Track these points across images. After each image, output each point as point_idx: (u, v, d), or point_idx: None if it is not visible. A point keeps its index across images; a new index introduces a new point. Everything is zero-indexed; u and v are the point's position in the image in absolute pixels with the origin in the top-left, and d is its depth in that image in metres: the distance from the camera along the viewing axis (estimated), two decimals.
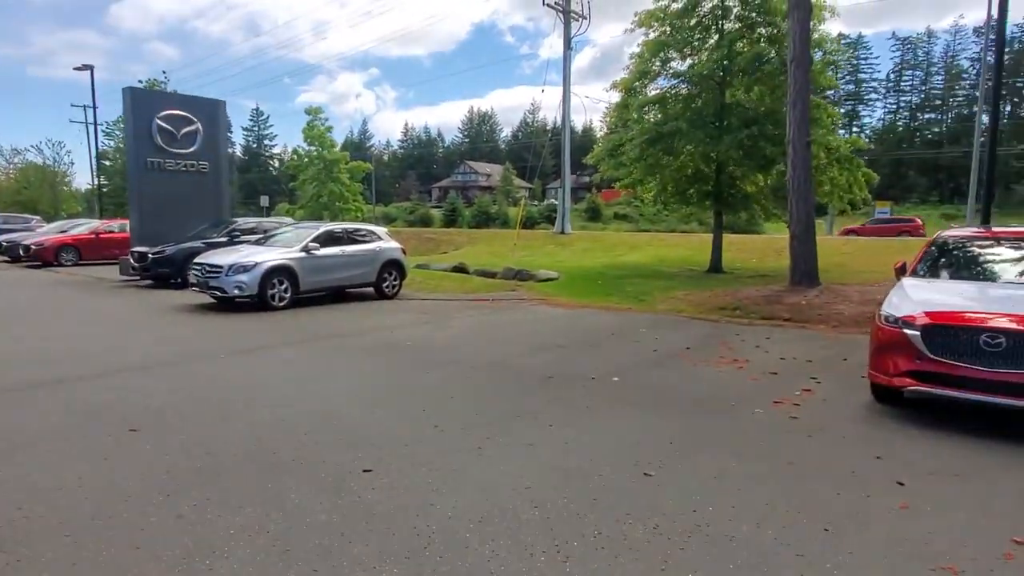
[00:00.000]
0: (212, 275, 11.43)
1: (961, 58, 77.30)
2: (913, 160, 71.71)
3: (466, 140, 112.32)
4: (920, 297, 5.51)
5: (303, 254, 11.93)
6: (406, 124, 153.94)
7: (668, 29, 17.84)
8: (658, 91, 18.58)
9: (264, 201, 45.10)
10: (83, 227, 23.62)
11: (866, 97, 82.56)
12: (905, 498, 3.78)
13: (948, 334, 4.98)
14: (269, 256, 11.61)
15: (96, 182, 42.46)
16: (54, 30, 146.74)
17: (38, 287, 15.73)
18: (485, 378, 6.75)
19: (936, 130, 78.29)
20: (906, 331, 5.19)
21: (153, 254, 14.93)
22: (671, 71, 18.28)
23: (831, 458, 4.44)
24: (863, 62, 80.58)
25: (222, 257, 11.76)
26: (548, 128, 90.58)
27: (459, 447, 4.61)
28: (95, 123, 38.13)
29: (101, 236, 22.39)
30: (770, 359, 7.70)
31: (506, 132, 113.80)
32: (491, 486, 3.93)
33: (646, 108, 18.39)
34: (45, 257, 21.13)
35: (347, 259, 12.64)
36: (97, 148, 40.61)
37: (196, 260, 12.17)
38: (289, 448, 4.54)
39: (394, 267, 13.46)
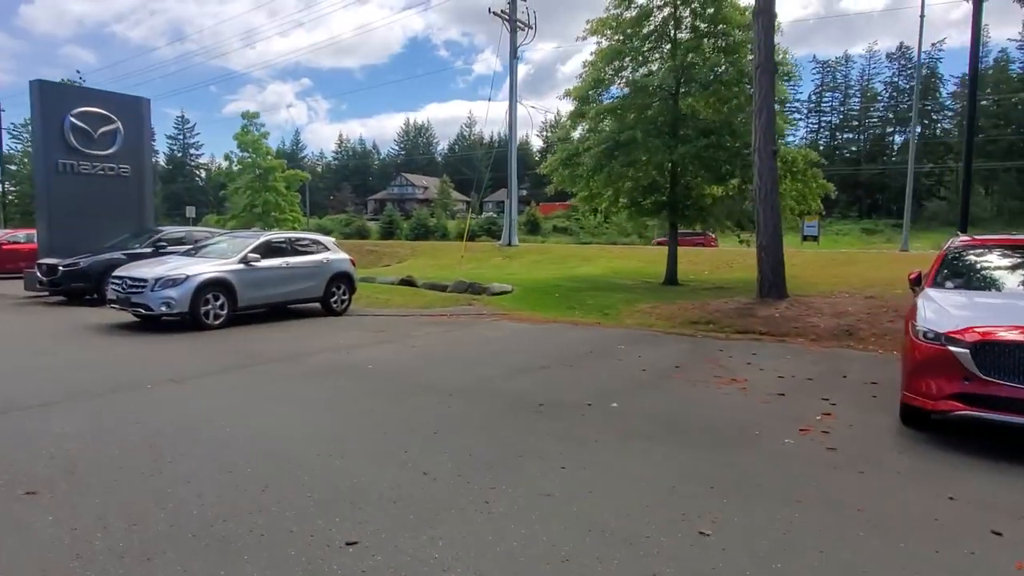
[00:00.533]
0: (135, 290, 10.05)
1: (875, 81, 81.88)
2: (834, 176, 74.99)
3: (402, 152, 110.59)
4: (960, 311, 4.99)
5: (242, 266, 10.68)
6: (340, 135, 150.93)
7: (621, 38, 17.54)
8: (611, 101, 18.24)
9: (190, 212, 42.55)
10: None
11: (790, 117, 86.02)
12: (1015, 553, 3.15)
13: (1004, 352, 4.45)
14: (202, 268, 10.33)
15: (0, 188, 39.02)
16: None
17: None
18: (468, 407, 5.86)
19: (854, 149, 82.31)
20: (952, 348, 4.65)
21: (65, 267, 13.26)
22: (624, 79, 17.99)
23: (900, 502, 3.80)
24: (787, 83, 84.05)
25: (147, 269, 10.38)
26: (486, 142, 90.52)
27: (461, 501, 3.73)
28: None
29: (4, 247, 20.27)
30: (768, 378, 7.16)
31: (443, 145, 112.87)
32: (515, 558, 3.06)
33: (600, 116, 17.96)
34: None
35: (291, 271, 11.46)
36: (1, 151, 37.28)
37: (116, 273, 10.70)
38: (243, 513, 3.53)
39: (343, 280, 12.34)
